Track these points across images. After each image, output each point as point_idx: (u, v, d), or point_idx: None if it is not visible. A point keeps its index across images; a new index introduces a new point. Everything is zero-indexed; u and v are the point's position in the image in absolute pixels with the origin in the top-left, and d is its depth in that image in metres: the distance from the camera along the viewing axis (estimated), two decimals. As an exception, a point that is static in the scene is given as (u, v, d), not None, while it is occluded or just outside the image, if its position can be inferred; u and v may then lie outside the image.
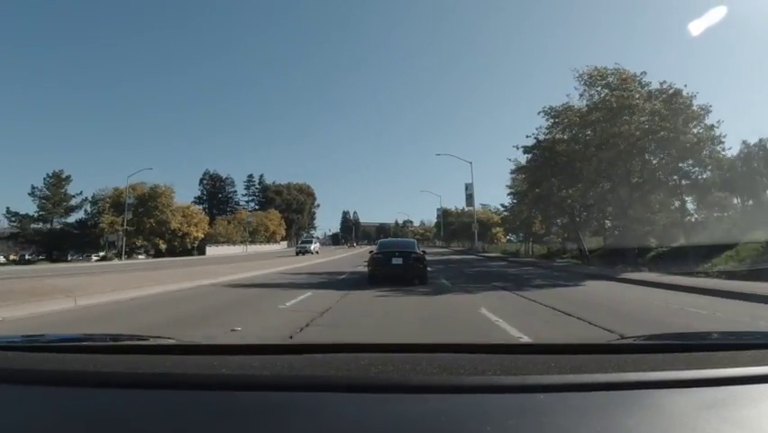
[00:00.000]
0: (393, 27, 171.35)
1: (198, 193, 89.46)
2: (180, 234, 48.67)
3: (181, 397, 0.77)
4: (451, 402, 0.72)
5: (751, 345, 1.09)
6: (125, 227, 41.05)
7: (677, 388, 0.75)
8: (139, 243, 46.09)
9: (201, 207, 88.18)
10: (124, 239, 40.38)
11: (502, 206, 42.76)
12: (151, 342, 1.36)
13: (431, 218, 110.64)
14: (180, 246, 51.05)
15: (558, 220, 30.53)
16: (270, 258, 28.15)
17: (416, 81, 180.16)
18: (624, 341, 1.45)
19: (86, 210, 49.87)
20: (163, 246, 47.86)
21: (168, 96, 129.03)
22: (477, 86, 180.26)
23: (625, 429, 0.64)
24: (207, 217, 54.46)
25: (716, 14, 19.99)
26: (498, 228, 55.85)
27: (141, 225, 44.51)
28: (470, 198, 37.22)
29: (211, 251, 53.66)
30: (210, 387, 0.79)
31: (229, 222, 64.54)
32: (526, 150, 21.16)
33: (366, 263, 12.39)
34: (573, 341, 1.77)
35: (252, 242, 66.82)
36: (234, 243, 61.45)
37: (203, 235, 54.48)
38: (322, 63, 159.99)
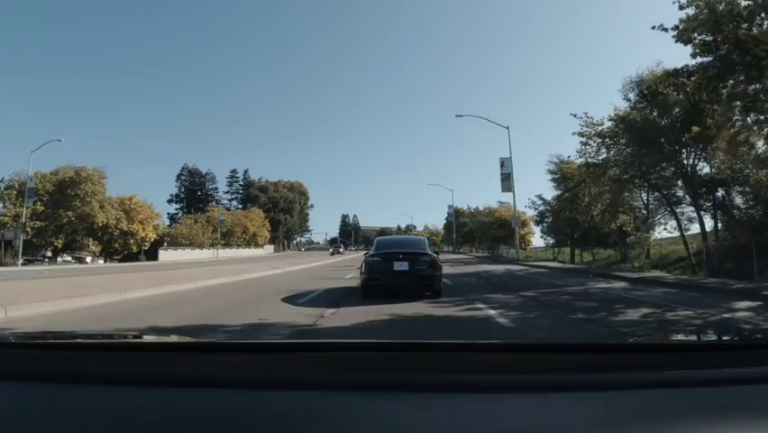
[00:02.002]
0: (391, 19, 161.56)
1: (176, 190, 79.31)
2: (117, 232, 37.55)
3: (184, 395, 0.77)
4: (452, 401, 0.72)
5: (752, 345, 1.04)
6: (25, 221, 29.95)
7: (678, 388, 0.75)
8: (60, 243, 35.01)
9: (178, 205, 79.05)
10: (22, 238, 29.05)
11: (540, 198, 31.75)
12: (155, 340, 1.31)
13: (435, 223, 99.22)
14: (123, 248, 40.06)
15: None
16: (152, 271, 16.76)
17: (420, 74, 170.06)
18: (624, 341, 1.42)
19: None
20: (95, 248, 36.76)
21: (154, 90, 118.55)
22: (490, 74, 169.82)
23: (625, 429, 0.64)
24: (159, 213, 43.23)
25: None
26: (526, 229, 44.64)
27: (57, 219, 33.44)
28: (507, 180, 25.38)
29: (167, 255, 42.54)
30: (213, 385, 0.79)
31: (196, 220, 53.34)
32: (682, 34, 9.68)
33: (360, 271, 8.45)
34: (576, 341, 1.58)
35: (227, 244, 55.84)
36: (201, 245, 50.40)
37: (155, 236, 43.44)
38: (320, 62, 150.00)
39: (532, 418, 0.67)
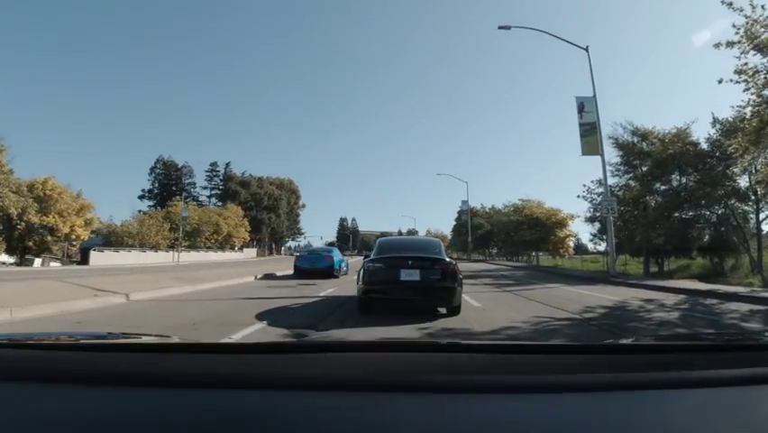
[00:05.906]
0: (390, 11, 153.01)
1: (149, 185, 69.73)
2: (23, 225, 27.96)
3: (180, 395, 0.77)
4: (450, 402, 0.72)
5: (754, 346, 1.03)
6: None
7: (679, 388, 0.74)
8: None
9: (151, 202, 69.06)
10: None
11: (601, 185, 21.99)
12: (151, 340, 1.30)
13: (439, 227, 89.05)
14: (39, 247, 30.53)
15: None
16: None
17: (425, 71, 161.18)
18: (625, 341, 1.42)
19: None
20: (-5, 247, 27.25)
21: (143, 92, 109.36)
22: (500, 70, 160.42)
23: (626, 430, 0.64)
24: (91, 204, 33.47)
25: None
26: (565, 231, 34.91)
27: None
28: (590, 134, 15.00)
29: (101, 258, 32.96)
30: (209, 386, 0.79)
31: (150, 216, 43.76)
32: None
33: (358, 280, 7.21)
34: (575, 342, 1.61)
35: (192, 246, 46.26)
36: (156, 247, 40.77)
37: (89, 233, 33.92)
38: (318, 62, 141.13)
39: (528, 418, 0.66)
